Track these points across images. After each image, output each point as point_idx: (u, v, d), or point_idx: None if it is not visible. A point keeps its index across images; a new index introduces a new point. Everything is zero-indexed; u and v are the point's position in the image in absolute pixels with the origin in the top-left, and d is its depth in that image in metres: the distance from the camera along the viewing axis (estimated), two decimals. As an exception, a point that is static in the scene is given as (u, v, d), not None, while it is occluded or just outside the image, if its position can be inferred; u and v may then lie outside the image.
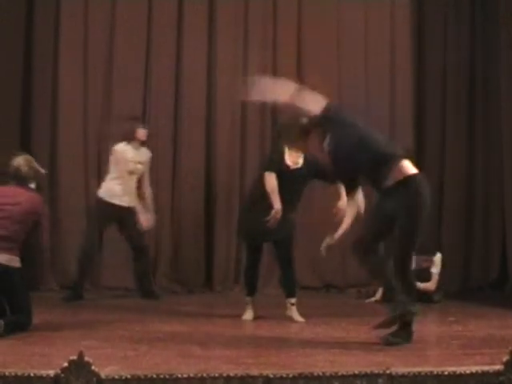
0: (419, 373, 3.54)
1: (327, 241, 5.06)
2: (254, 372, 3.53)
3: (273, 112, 8.16)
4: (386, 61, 8.44)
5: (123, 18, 8.05)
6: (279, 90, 4.98)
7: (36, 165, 5.39)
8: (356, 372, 3.50)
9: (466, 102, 8.40)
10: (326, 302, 7.24)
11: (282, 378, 3.46)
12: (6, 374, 3.35)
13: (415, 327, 4.83)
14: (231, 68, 8.17)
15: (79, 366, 3.29)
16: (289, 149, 5.77)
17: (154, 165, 7.47)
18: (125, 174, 7.05)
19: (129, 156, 7.10)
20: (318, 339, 5.06)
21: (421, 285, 7.15)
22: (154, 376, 3.40)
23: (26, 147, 7.48)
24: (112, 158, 7.13)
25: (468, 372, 3.55)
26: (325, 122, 4.88)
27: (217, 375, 3.46)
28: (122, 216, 7.05)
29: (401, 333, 4.74)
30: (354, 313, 6.43)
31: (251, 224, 5.96)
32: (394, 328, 4.74)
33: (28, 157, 5.41)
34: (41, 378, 3.34)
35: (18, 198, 5.16)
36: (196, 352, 4.41)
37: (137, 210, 7.03)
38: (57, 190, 7.73)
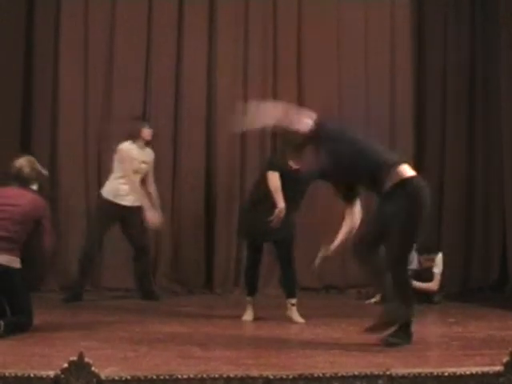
0: (419, 374, 3.53)
1: (322, 253, 5.06)
2: (254, 373, 3.52)
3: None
4: (386, 61, 8.43)
5: (123, 17, 8.04)
6: (266, 115, 5.02)
7: (38, 166, 5.39)
8: (356, 373, 3.49)
9: (466, 102, 8.40)
10: (326, 303, 7.24)
11: (282, 378, 3.46)
12: (6, 374, 3.35)
13: (415, 328, 4.84)
14: (231, 68, 8.17)
15: (79, 367, 3.28)
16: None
17: (154, 165, 7.46)
18: (130, 173, 7.04)
19: (134, 155, 7.10)
20: (317, 340, 5.07)
21: (422, 285, 7.17)
22: (154, 377, 3.40)
23: (26, 147, 7.51)
24: (117, 157, 7.11)
25: (468, 373, 3.54)
26: (315, 139, 4.91)
27: (217, 376, 3.45)
28: (125, 215, 7.04)
29: (400, 333, 4.75)
30: (354, 314, 6.42)
31: (253, 224, 5.96)
32: (392, 329, 4.75)
33: (30, 158, 5.41)
34: (41, 378, 3.34)
35: (19, 199, 5.16)
36: (196, 353, 4.41)
37: (145, 208, 7.01)
38: (57, 190, 7.72)
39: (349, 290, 7.89)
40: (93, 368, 3.30)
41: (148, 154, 7.26)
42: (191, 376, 3.44)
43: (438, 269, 7.35)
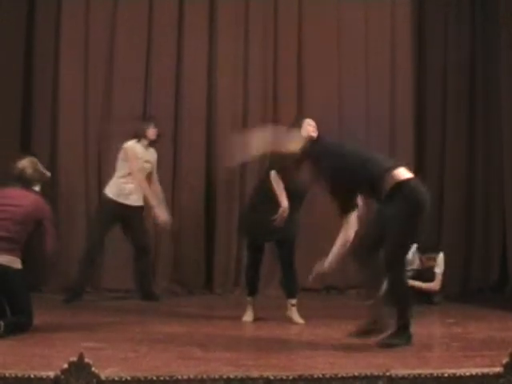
0: (419, 375, 3.53)
1: (316, 269, 5.05)
2: (254, 374, 3.51)
3: (274, 112, 8.19)
4: (386, 60, 8.44)
5: (124, 17, 8.04)
6: (256, 144, 5.06)
7: (41, 167, 5.39)
8: (356, 374, 3.49)
9: (467, 102, 8.40)
10: (326, 304, 7.24)
11: (282, 379, 3.45)
12: (6, 375, 3.34)
13: (415, 329, 4.83)
14: (232, 68, 8.17)
15: (79, 368, 3.28)
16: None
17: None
18: (136, 171, 7.02)
19: (138, 154, 7.10)
20: (317, 341, 5.06)
21: (424, 285, 7.17)
22: (154, 378, 3.39)
23: (26, 147, 7.52)
24: (121, 155, 7.10)
25: (468, 374, 3.54)
26: (307, 156, 4.94)
27: (217, 377, 3.45)
28: (128, 215, 7.03)
29: (400, 334, 4.75)
30: (354, 314, 6.40)
31: (254, 223, 5.94)
32: (391, 330, 4.76)
33: (33, 159, 5.40)
34: (41, 379, 3.33)
35: (21, 200, 5.16)
36: (196, 354, 4.41)
37: (153, 206, 7.02)
38: (57, 190, 7.71)
39: (349, 291, 7.88)
40: (93, 369, 3.29)
41: (151, 154, 7.26)
42: (191, 377, 3.44)
43: (439, 268, 7.34)
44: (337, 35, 8.39)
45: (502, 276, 8.08)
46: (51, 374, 3.31)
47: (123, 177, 7.07)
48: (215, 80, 8.14)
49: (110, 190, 7.08)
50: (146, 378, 3.38)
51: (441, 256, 7.40)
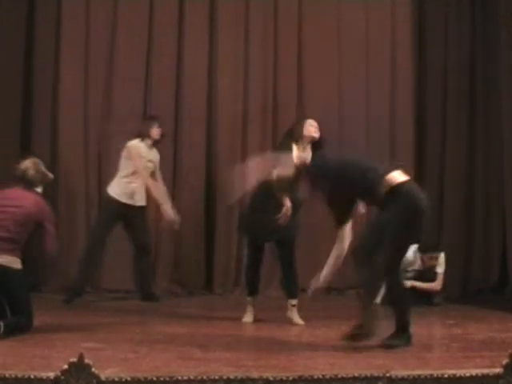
0: (419, 376, 3.54)
1: (313, 285, 5.07)
2: (254, 374, 3.52)
3: (274, 112, 8.19)
4: (386, 59, 8.43)
5: (124, 17, 8.04)
6: (251, 176, 5.13)
7: (44, 168, 5.38)
8: (356, 375, 3.49)
9: (467, 101, 8.39)
10: (326, 304, 7.23)
11: (282, 380, 3.45)
12: (6, 375, 3.34)
13: (415, 330, 4.84)
14: (232, 68, 8.17)
15: (79, 368, 3.28)
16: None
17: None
18: (140, 169, 7.00)
19: (142, 153, 7.09)
20: (317, 342, 5.06)
21: (425, 285, 7.16)
22: (154, 378, 3.39)
23: (26, 147, 7.52)
24: (124, 154, 7.07)
25: (468, 375, 3.54)
26: (305, 176, 4.99)
27: (217, 377, 3.45)
28: (130, 214, 7.01)
29: (400, 335, 4.75)
30: (354, 315, 6.41)
31: (255, 223, 5.93)
32: (391, 331, 4.76)
33: (36, 160, 5.39)
34: (41, 380, 3.34)
35: (22, 200, 5.15)
36: (196, 354, 4.41)
37: (161, 204, 7.02)
38: (57, 190, 7.71)
39: (348, 291, 7.87)
40: (93, 369, 3.30)
41: (154, 154, 7.25)
42: (191, 377, 3.44)
43: (440, 268, 7.32)
44: (337, 35, 8.38)
45: (502, 277, 8.07)
46: (51, 374, 3.31)
47: (126, 176, 7.05)
48: (215, 80, 8.14)
49: (113, 190, 7.05)
50: (146, 378, 3.38)
51: (442, 255, 7.39)
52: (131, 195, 7.04)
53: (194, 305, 7.13)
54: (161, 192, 7.15)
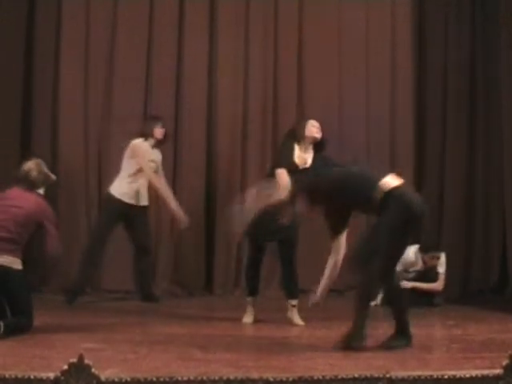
0: (419, 376, 3.54)
1: (312, 300, 5.13)
2: (254, 375, 3.52)
3: (274, 112, 8.19)
4: (386, 59, 8.43)
5: (124, 17, 8.04)
6: (250, 207, 5.18)
7: (46, 170, 5.38)
8: (356, 375, 3.49)
9: (467, 101, 8.38)
10: (326, 305, 7.21)
11: (282, 381, 3.45)
12: (6, 376, 3.35)
13: (415, 331, 4.84)
14: (232, 68, 8.17)
15: (79, 369, 3.28)
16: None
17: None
18: (145, 167, 6.98)
19: (145, 151, 7.09)
20: (317, 342, 5.05)
21: (426, 285, 7.15)
22: (154, 379, 3.39)
23: (26, 147, 7.52)
24: (127, 154, 7.05)
25: (468, 376, 3.55)
26: (299, 193, 5.02)
27: (217, 378, 3.45)
28: (132, 214, 7.00)
29: (400, 336, 4.75)
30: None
31: (256, 223, 5.90)
32: (391, 332, 4.76)
33: (39, 161, 5.38)
34: (41, 380, 3.34)
35: (22, 201, 5.15)
36: (196, 355, 4.41)
37: (168, 202, 7.01)
38: (57, 190, 7.70)
39: (348, 292, 7.86)
40: (93, 370, 3.30)
41: (156, 155, 7.24)
42: (191, 378, 3.44)
43: (442, 268, 7.30)
44: (337, 35, 8.38)
45: (502, 277, 8.07)
46: (51, 375, 3.32)
47: (129, 176, 7.04)
48: (215, 80, 8.14)
49: (116, 190, 7.03)
50: (145, 379, 3.38)
51: (443, 255, 7.37)
52: (134, 195, 7.03)
53: (194, 305, 7.13)
54: (166, 190, 7.15)
